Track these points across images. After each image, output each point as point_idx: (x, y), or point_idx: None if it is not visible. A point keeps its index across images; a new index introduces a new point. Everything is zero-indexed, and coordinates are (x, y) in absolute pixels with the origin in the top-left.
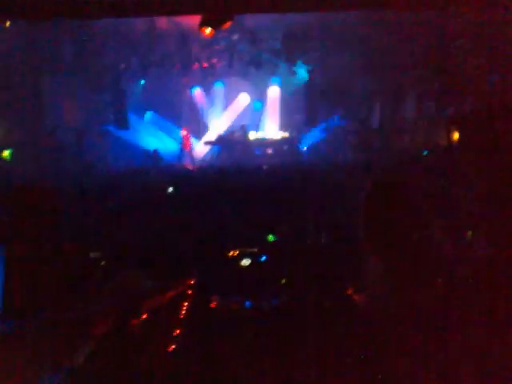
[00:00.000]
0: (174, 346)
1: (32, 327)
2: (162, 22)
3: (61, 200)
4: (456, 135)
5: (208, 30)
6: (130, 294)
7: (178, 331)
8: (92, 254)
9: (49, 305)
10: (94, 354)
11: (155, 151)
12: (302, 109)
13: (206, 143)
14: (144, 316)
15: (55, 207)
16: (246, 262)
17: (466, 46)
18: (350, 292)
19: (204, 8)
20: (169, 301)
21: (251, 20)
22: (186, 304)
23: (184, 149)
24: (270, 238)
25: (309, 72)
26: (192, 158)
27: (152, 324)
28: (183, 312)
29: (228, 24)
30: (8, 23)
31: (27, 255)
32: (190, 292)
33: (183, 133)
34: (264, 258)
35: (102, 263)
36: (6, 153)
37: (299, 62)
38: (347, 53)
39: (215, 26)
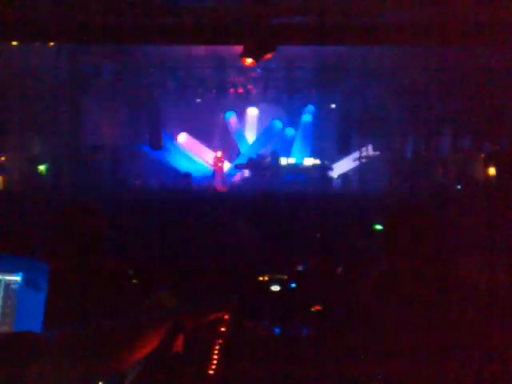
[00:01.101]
0: (213, 370)
1: (78, 335)
2: (201, 47)
3: (101, 218)
4: (492, 171)
5: (249, 61)
6: (170, 313)
7: (217, 354)
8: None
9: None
10: (142, 371)
11: (187, 172)
12: (335, 137)
13: (237, 167)
14: (185, 336)
15: (96, 225)
16: (275, 287)
17: (504, 80)
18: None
19: (247, 39)
20: (208, 323)
21: (288, 48)
22: (223, 328)
23: (215, 171)
24: (300, 266)
25: (343, 101)
26: (223, 180)
27: (193, 345)
28: (222, 336)
29: (270, 55)
30: (51, 44)
31: (70, 273)
32: (227, 316)
33: (218, 154)
34: (294, 285)
35: (135, 281)
36: (42, 168)
37: (333, 91)
38: (382, 83)
39: (257, 57)
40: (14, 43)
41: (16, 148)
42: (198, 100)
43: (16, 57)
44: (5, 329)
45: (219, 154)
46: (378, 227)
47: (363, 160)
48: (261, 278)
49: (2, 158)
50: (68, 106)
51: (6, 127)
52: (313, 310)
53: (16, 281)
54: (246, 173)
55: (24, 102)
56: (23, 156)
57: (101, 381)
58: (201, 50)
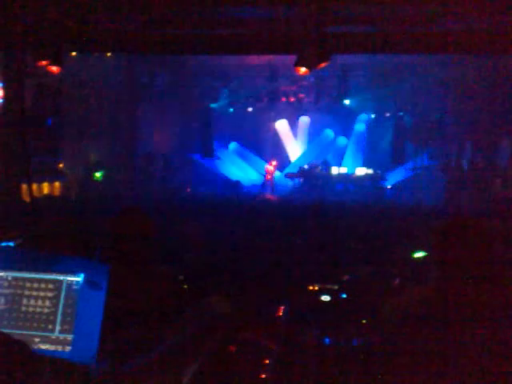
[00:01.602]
0: (265, 375)
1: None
2: (253, 56)
3: (149, 223)
4: None
5: (303, 70)
6: (221, 319)
7: (268, 361)
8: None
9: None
10: (199, 374)
11: (236, 181)
12: (388, 146)
13: (288, 176)
14: (239, 342)
15: (151, 230)
16: (325, 298)
17: None
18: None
19: (301, 48)
20: (260, 330)
21: (341, 56)
22: (275, 335)
23: (266, 180)
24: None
25: (396, 109)
26: (273, 189)
27: (246, 351)
28: (273, 343)
29: (324, 64)
30: (109, 54)
31: (125, 278)
32: (279, 323)
33: (272, 163)
34: (344, 295)
35: (185, 286)
36: (98, 175)
37: (387, 99)
38: (437, 91)
39: (311, 66)
40: (74, 54)
41: (73, 155)
42: (250, 109)
43: (76, 67)
44: (65, 328)
45: (273, 162)
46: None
47: (418, 170)
48: (311, 288)
49: (60, 165)
50: (124, 115)
51: (65, 134)
52: (364, 322)
53: (77, 281)
54: (297, 182)
55: (82, 110)
56: (80, 163)
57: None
58: (253, 59)
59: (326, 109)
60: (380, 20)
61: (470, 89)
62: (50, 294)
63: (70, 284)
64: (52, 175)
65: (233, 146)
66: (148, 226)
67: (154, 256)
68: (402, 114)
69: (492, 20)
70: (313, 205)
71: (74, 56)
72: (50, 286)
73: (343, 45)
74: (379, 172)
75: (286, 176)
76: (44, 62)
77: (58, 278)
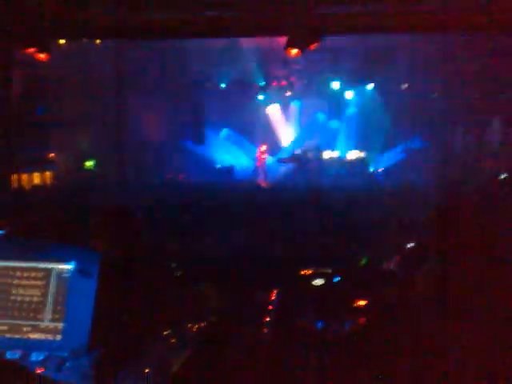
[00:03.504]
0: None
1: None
2: (243, 39)
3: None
4: None
5: (294, 51)
6: (212, 306)
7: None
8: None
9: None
10: (188, 361)
11: (229, 167)
12: (380, 129)
13: (280, 161)
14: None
15: (139, 220)
16: (318, 281)
17: None
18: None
19: (291, 29)
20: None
21: (331, 39)
22: (267, 319)
23: (258, 165)
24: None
25: (388, 93)
26: (265, 175)
27: (239, 335)
28: (265, 327)
29: (315, 45)
30: (98, 41)
31: (115, 264)
32: (270, 307)
33: (261, 148)
34: (337, 279)
35: (179, 273)
36: (90, 163)
37: (379, 82)
38: (429, 74)
39: (302, 47)
40: (62, 41)
41: (64, 144)
42: (241, 94)
43: (64, 56)
44: (56, 316)
45: (263, 147)
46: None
47: (410, 151)
48: (304, 272)
49: (51, 155)
50: (114, 103)
51: (55, 124)
52: (356, 305)
53: (68, 269)
54: (289, 167)
55: (72, 100)
56: (71, 152)
57: (147, 368)
58: (243, 42)
59: (318, 92)
60: (369, 0)
61: (461, 69)
62: (39, 283)
63: (60, 272)
64: (43, 165)
65: (224, 132)
66: (129, 220)
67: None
68: (393, 96)
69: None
70: (305, 190)
71: (61, 44)
72: (40, 274)
73: (333, 26)
74: (371, 155)
75: (279, 161)
76: (31, 50)
77: (48, 266)
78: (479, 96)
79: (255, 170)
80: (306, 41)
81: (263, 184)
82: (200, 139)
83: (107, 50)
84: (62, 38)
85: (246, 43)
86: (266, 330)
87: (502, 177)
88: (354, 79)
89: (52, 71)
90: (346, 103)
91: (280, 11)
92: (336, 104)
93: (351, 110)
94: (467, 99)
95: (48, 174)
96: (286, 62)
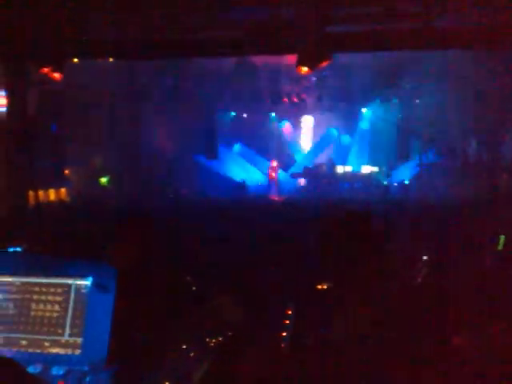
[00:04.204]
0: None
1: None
2: (255, 58)
3: (156, 228)
4: None
5: (305, 69)
6: (228, 319)
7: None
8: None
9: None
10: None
11: (242, 182)
12: (393, 144)
13: (293, 175)
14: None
15: (153, 234)
16: (333, 294)
17: None
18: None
19: (302, 47)
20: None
21: (342, 55)
22: (284, 334)
23: (270, 180)
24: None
25: (401, 107)
26: (278, 189)
27: (256, 349)
28: (282, 341)
29: (325, 63)
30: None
31: (132, 278)
32: (286, 322)
33: (273, 164)
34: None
35: (194, 288)
36: (104, 180)
37: (391, 97)
38: (443, 88)
39: (312, 65)
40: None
41: (79, 161)
42: (254, 110)
43: (79, 72)
44: (75, 331)
45: (274, 163)
46: None
47: (424, 166)
48: (319, 287)
49: (67, 171)
50: (128, 119)
51: (70, 140)
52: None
53: (86, 285)
54: (302, 182)
55: (86, 116)
56: (85, 168)
57: (166, 381)
58: (257, 59)
59: (329, 108)
60: (379, 18)
61: (474, 85)
62: (58, 298)
63: (78, 288)
64: (58, 181)
65: (237, 147)
66: (150, 233)
67: (157, 258)
68: (406, 110)
69: (490, 16)
70: (319, 205)
71: (76, 61)
72: (59, 290)
73: (344, 43)
74: (384, 170)
75: (292, 176)
76: (46, 70)
77: (67, 282)
78: (494, 110)
79: (267, 185)
80: (316, 60)
81: (276, 198)
82: (213, 154)
83: (121, 65)
84: (76, 58)
85: (259, 60)
86: (282, 345)
87: None
88: (366, 94)
89: (65, 87)
90: (358, 118)
91: (291, 30)
92: (348, 119)
93: (363, 125)
94: (481, 115)
95: (63, 190)
96: (298, 78)
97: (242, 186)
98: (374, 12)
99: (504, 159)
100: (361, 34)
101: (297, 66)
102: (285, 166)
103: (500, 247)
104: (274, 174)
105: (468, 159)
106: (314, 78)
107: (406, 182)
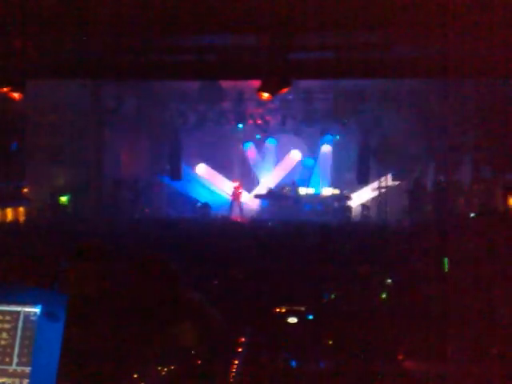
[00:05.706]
0: None
1: None
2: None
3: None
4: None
5: (266, 95)
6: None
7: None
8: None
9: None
10: None
11: (205, 203)
12: (354, 167)
13: (256, 196)
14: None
15: (111, 262)
16: (292, 319)
17: None
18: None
19: (264, 74)
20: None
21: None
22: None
23: (233, 201)
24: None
25: (361, 131)
26: (241, 210)
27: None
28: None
29: (285, 90)
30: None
31: (84, 305)
32: (239, 349)
33: (235, 184)
34: (311, 317)
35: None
36: (64, 198)
37: (352, 121)
38: (401, 114)
39: (273, 91)
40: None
41: (39, 180)
42: (218, 131)
43: (41, 93)
44: (23, 360)
45: (237, 184)
46: None
47: (382, 190)
48: (277, 310)
49: (25, 190)
50: (91, 139)
51: (30, 159)
52: (331, 342)
53: (35, 313)
54: (265, 203)
55: (47, 136)
56: (45, 188)
57: None
58: (221, 82)
59: (293, 130)
60: (339, 47)
61: (432, 110)
62: (7, 326)
63: (27, 315)
64: (16, 200)
65: (201, 168)
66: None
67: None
68: (366, 135)
69: (446, 45)
70: (279, 226)
71: (38, 83)
72: (7, 317)
73: (304, 71)
74: (345, 192)
75: (255, 197)
76: (5, 89)
77: (15, 309)
78: (450, 136)
79: (231, 206)
80: (277, 86)
81: (238, 219)
82: (176, 174)
83: (84, 86)
84: (37, 79)
85: (224, 82)
86: (236, 371)
87: (471, 215)
88: (328, 118)
89: (27, 106)
90: (321, 141)
91: (256, 57)
92: (311, 142)
93: (326, 149)
94: (438, 137)
95: (21, 209)
96: (263, 101)
97: (204, 206)
98: (334, 41)
99: (456, 183)
100: (320, 62)
101: (258, 92)
102: (248, 188)
103: (446, 269)
104: (237, 195)
105: (420, 183)
106: (278, 101)
107: (366, 205)
